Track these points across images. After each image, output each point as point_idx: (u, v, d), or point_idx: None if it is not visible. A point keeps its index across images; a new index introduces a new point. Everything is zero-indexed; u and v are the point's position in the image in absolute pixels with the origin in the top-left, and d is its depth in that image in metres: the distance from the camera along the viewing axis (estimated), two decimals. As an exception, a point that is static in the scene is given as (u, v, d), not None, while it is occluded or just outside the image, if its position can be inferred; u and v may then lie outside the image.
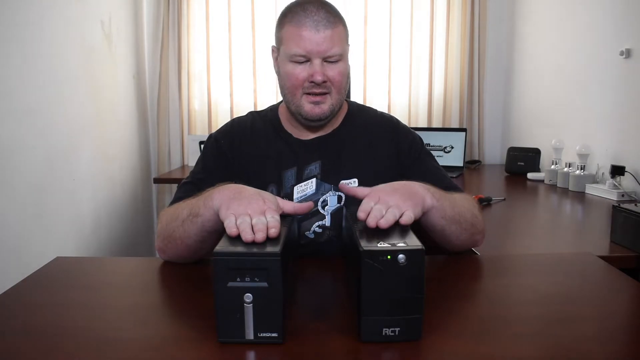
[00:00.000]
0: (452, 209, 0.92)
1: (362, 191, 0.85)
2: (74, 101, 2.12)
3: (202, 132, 2.94)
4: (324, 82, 1.05)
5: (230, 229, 0.73)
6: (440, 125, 2.96)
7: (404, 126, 1.21)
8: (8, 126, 1.68)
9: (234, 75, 2.92)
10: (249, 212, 0.75)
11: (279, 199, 0.83)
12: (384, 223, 0.73)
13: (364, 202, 0.79)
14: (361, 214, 0.75)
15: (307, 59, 1.04)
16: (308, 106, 1.07)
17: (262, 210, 0.76)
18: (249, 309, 0.64)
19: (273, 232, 0.71)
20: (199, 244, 0.91)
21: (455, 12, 2.90)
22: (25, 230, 1.76)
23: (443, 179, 1.13)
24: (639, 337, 0.71)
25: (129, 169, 2.74)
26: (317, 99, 1.06)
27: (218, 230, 0.85)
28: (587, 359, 0.64)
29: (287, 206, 0.83)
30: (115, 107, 2.56)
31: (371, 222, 0.73)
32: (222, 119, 2.92)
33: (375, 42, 2.92)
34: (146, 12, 2.92)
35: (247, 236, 0.70)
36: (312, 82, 1.04)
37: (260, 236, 0.70)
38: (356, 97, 2.91)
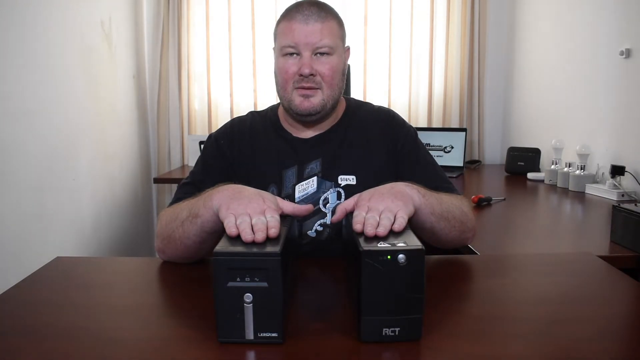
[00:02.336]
0: (439, 205, 0.92)
1: (348, 204, 0.83)
2: (74, 101, 2.12)
3: (202, 132, 2.94)
4: (312, 75, 1.05)
5: (230, 229, 0.72)
6: (440, 125, 2.96)
7: (399, 118, 1.21)
8: (8, 126, 1.68)
9: (234, 75, 2.92)
10: (248, 212, 0.75)
11: (279, 199, 0.83)
12: (383, 231, 0.71)
13: (355, 213, 0.77)
14: (357, 226, 0.74)
15: (297, 52, 1.05)
16: (298, 100, 1.07)
17: (261, 209, 0.76)
18: (248, 309, 0.64)
19: (273, 232, 0.71)
20: (198, 245, 0.91)
21: (455, 12, 2.90)
22: (25, 230, 1.76)
23: (434, 174, 1.13)
24: (639, 337, 0.71)
25: (129, 169, 2.74)
26: (307, 92, 1.06)
27: (217, 231, 0.85)
28: (587, 359, 0.64)
29: (287, 207, 0.83)
30: (115, 107, 2.56)
31: (369, 232, 0.72)
32: (222, 119, 2.92)
33: (375, 42, 2.92)
34: (146, 12, 2.92)
35: (247, 236, 0.70)
36: (301, 75, 1.05)
37: (260, 236, 0.69)
38: (356, 97, 2.90)
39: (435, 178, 1.11)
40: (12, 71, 1.70)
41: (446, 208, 0.94)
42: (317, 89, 1.07)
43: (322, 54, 1.06)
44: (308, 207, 0.86)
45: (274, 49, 1.14)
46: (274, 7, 2.87)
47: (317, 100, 1.07)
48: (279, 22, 1.10)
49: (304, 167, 1.12)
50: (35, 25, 1.83)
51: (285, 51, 1.06)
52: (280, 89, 1.10)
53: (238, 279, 0.64)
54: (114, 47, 2.52)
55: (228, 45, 2.90)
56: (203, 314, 0.75)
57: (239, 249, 0.67)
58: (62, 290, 0.88)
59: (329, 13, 1.08)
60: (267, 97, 2.91)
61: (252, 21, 2.88)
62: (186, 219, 0.89)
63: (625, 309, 0.81)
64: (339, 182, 1.11)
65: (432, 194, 0.91)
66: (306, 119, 1.11)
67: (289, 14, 1.07)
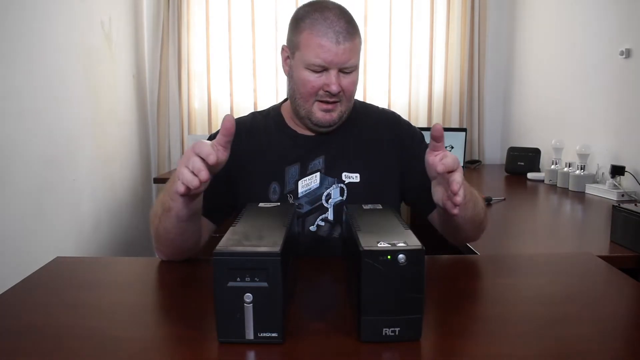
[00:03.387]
0: (473, 209, 0.93)
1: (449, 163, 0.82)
2: (74, 101, 2.12)
3: (202, 132, 2.94)
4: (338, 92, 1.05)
5: (179, 187, 0.77)
6: (440, 125, 2.96)
7: (405, 121, 1.22)
8: (8, 126, 1.68)
9: (234, 75, 2.92)
10: (182, 164, 0.78)
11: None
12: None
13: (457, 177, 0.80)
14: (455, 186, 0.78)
15: (324, 69, 1.04)
16: (320, 113, 1.08)
17: (188, 156, 0.78)
18: (249, 309, 0.64)
19: (203, 174, 0.75)
20: (180, 237, 0.93)
21: (455, 12, 2.90)
22: (25, 230, 1.76)
23: None
24: (639, 337, 0.71)
25: (129, 169, 2.74)
26: (330, 107, 1.07)
27: (194, 219, 0.90)
28: (587, 359, 0.64)
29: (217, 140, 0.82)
30: (115, 107, 2.56)
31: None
32: (222, 119, 2.92)
33: (375, 42, 2.92)
34: (146, 12, 2.92)
35: (193, 182, 0.75)
36: (327, 91, 1.04)
37: (203, 175, 0.74)
38: (356, 97, 2.90)
39: None
40: (12, 71, 1.70)
41: (477, 212, 0.96)
42: (338, 102, 1.07)
43: (347, 72, 1.05)
44: (228, 119, 0.84)
45: (291, 51, 1.08)
46: (274, 7, 2.87)
47: (336, 113, 1.08)
48: (302, 29, 1.03)
49: (307, 163, 1.12)
50: (35, 25, 1.83)
51: (312, 68, 1.04)
52: (300, 98, 1.08)
53: (238, 279, 0.64)
54: (114, 47, 2.52)
55: (228, 45, 2.90)
56: (203, 314, 0.75)
57: (239, 249, 0.67)
58: (62, 290, 0.88)
59: (354, 27, 1.04)
60: (267, 97, 2.91)
61: (252, 21, 2.88)
62: (162, 214, 0.91)
63: (625, 309, 0.81)
64: (343, 178, 1.11)
65: (472, 198, 0.93)
66: (324, 129, 1.11)
67: (316, 26, 1.01)
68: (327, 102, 1.06)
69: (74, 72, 2.13)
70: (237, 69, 2.91)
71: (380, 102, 2.93)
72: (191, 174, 0.75)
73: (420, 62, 2.94)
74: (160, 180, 2.74)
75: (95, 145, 2.32)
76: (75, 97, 2.13)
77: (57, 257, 1.03)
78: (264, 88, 2.92)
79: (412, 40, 2.92)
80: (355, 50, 1.05)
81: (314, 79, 1.04)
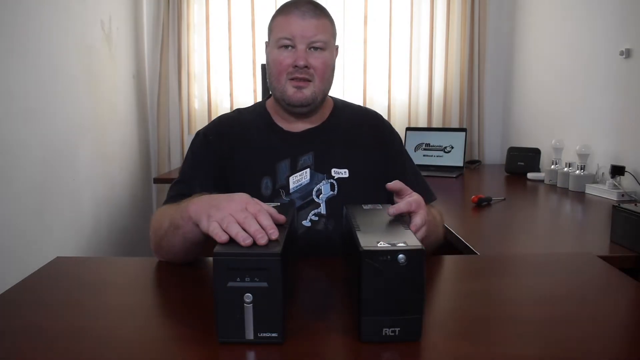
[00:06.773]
0: (435, 238, 0.99)
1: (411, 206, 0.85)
2: (74, 101, 2.12)
3: (202, 132, 2.94)
4: (306, 67, 1.09)
5: (218, 235, 0.71)
6: (440, 125, 2.96)
7: (387, 122, 1.27)
8: (8, 126, 1.68)
9: (234, 75, 2.92)
10: (230, 213, 0.73)
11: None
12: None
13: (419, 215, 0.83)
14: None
15: (293, 45, 1.09)
16: (291, 90, 1.10)
17: (242, 206, 0.74)
18: (249, 309, 0.64)
19: (273, 234, 0.70)
20: (185, 253, 0.92)
21: (455, 11, 2.90)
22: (25, 230, 1.76)
23: (418, 180, 1.20)
24: (639, 337, 0.71)
25: (129, 169, 2.74)
26: (300, 84, 1.10)
27: (201, 242, 0.86)
28: (587, 359, 0.64)
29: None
30: (115, 107, 2.56)
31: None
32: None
33: (375, 41, 2.92)
34: (146, 12, 2.92)
35: (245, 241, 0.68)
36: (295, 66, 1.08)
37: (260, 238, 0.68)
38: (356, 97, 2.91)
39: (419, 184, 1.18)
40: (12, 71, 1.70)
41: (438, 238, 1.03)
42: (309, 81, 1.10)
43: (315, 48, 1.09)
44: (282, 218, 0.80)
45: (267, 42, 1.17)
46: (273, 8, 2.87)
47: (308, 92, 1.10)
48: (275, 17, 1.15)
49: (297, 159, 1.14)
50: (35, 25, 1.83)
51: (281, 43, 1.10)
52: (274, 80, 1.12)
53: (238, 279, 0.64)
54: (114, 47, 2.52)
55: (228, 45, 2.90)
56: (203, 314, 0.75)
57: (239, 249, 0.67)
58: (62, 290, 0.88)
59: (323, 12, 1.12)
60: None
61: (252, 21, 2.88)
62: (168, 228, 0.89)
63: (625, 309, 0.81)
64: (332, 174, 1.13)
65: (438, 228, 0.98)
66: (297, 109, 1.13)
67: (285, 9, 1.12)
68: (298, 79, 1.09)
69: (74, 72, 2.13)
70: (237, 69, 2.92)
71: (380, 102, 2.94)
72: (242, 230, 0.69)
73: (420, 62, 2.94)
74: (160, 180, 2.74)
75: (95, 145, 2.32)
76: (75, 97, 2.13)
77: (57, 257, 1.03)
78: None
79: (412, 40, 2.91)
80: (323, 29, 1.10)
81: (284, 57, 1.10)
